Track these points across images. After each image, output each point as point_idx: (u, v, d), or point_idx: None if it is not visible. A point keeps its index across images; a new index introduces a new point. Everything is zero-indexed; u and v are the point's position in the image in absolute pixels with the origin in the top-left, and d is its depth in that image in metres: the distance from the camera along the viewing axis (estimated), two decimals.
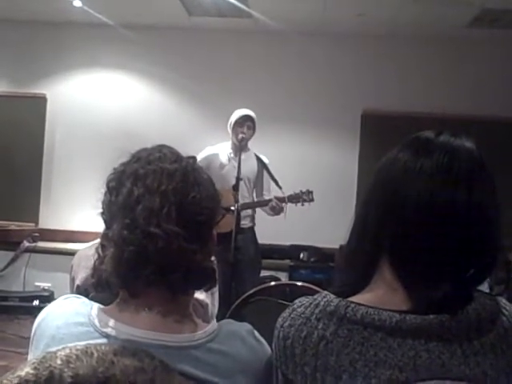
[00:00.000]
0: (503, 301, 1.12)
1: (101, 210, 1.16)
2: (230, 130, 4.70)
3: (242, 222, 4.48)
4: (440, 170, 1.05)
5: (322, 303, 1.06)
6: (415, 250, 1.04)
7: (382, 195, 1.10)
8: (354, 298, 1.06)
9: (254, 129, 4.69)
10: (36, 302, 5.77)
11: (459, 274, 1.05)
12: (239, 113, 4.67)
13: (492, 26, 5.62)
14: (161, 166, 1.13)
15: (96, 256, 1.13)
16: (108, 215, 1.14)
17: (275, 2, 5.41)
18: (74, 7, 5.78)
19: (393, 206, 1.07)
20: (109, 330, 1.07)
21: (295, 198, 4.56)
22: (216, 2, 5.42)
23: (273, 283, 2.45)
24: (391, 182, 1.09)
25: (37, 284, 6.05)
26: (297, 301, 1.11)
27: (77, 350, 0.87)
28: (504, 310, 1.08)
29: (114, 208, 1.12)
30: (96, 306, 1.14)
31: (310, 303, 1.08)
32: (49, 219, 6.43)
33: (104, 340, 1.06)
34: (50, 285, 5.96)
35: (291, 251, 6.01)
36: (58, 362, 0.85)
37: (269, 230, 5.02)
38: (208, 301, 1.87)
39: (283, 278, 5.65)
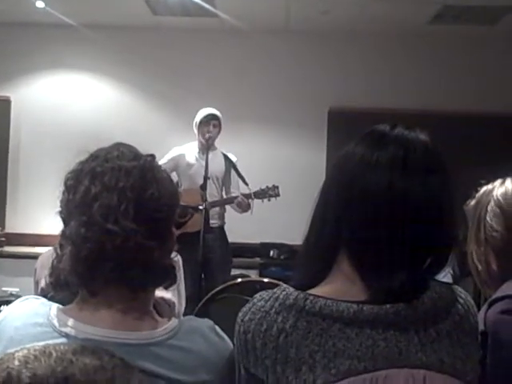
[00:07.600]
0: (459, 289, 1.14)
1: (59, 209, 1.16)
2: (195, 130, 4.70)
3: (212, 221, 4.48)
4: (395, 163, 1.07)
5: (281, 296, 1.07)
6: (372, 241, 1.05)
7: (340, 189, 1.12)
8: (312, 291, 1.07)
9: (219, 127, 4.69)
10: (3, 308, 5.67)
11: (415, 264, 1.06)
12: (204, 112, 4.66)
13: (454, 22, 5.71)
14: (118, 163, 1.13)
15: (54, 255, 1.12)
16: (66, 213, 1.14)
17: (240, 1, 5.41)
18: (36, 8, 5.68)
19: (350, 198, 1.09)
20: (68, 330, 1.07)
21: (261, 194, 4.58)
22: (181, 1, 5.38)
23: (239, 280, 2.46)
24: (348, 175, 1.11)
25: (4, 289, 5.94)
26: (257, 295, 1.11)
27: (35, 350, 0.87)
28: (459, 298, 1.10)
29: (72, 206, 1.11)
30: (55, 306, 1.13)
31: (270, 297, 1.08)
32: (16, 223, 6.32)
33: (63, 340, 1.05)
34: (17, 290, 5.85)
35: (261, 249, 6.02)
36: (16, 362, 0.85)
37: (239, 229, 5.02)
38: (175, 299, 1.87)
39: (254, 275, 5.63)
